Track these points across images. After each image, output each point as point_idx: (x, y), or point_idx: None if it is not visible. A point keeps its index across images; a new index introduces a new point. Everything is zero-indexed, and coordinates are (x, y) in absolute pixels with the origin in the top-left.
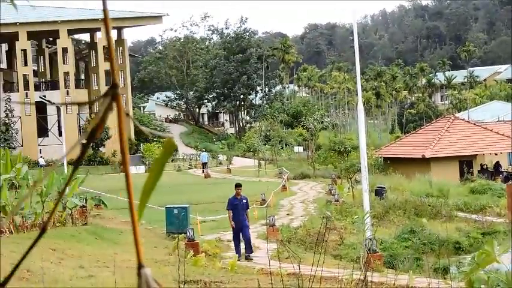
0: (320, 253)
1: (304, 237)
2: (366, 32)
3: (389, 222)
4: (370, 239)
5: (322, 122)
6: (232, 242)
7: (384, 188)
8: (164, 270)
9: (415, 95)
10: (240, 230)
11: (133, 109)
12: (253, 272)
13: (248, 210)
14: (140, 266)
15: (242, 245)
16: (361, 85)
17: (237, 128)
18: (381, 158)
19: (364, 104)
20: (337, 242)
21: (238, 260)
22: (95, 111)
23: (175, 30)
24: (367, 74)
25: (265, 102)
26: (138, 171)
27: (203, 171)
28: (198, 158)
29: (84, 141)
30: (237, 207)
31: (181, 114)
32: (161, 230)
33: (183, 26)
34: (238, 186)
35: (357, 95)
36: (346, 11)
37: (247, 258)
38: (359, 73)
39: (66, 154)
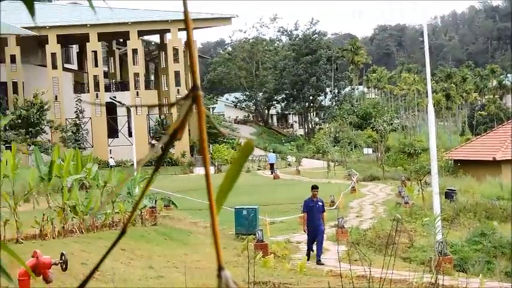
0: (390, 255)
1: (373, 240)
2: (436, 33)
3: (460, 225)
4: (441, 242)
5: (391, 124)
6: (306, 245)
7: (454, 190)
8: (233, 271)
9: (485, 96)
10: (315, 233)
11: None
12: (322, 274)
13: (325, 213)
14: (220, 268)
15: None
16: (431, 87)
17: (306, 130)
18: (451, 160)
19: (434, 106)
20: (406, 244)
21: (322, 263)
22: (165, 112)
23: (245, 32)
24: (437, 75)
25: (334, 103)
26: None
27: (272, 172)
28: (267, 159)
29: (162, 144)
30: (313, 210)
31: (250, 115)
32: (230, 231)
33: (253, 27)
34: (314, 188)
35: (427, 96)
36: (416, 12)
37: (319, 263)
38: (429, 74)
39: (148, 156)
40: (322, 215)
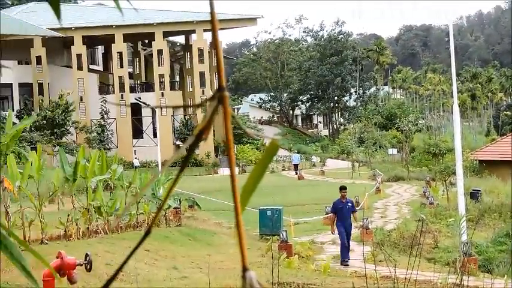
0: (414, 256)
1: (398, 240)
2: (462, 33)
3: (485, 226)
4: (466, 243)
5: (416, 124)
6: (339, 247)
7: (479, 191)
8: (257, 272)
9: (511, 96)
10: (347, 234)
11: None
12: (346, 275)
13: (356, 213)
14: (245, 269)
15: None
16: (457, 87)
17: (331, 130)
18: (476, 160)
19: (459, 106)
20: (431, 245)
21: (347, 264)
22: (190, 113)
23: (270, 33)
24: (463, 75)
25: (359, 104)
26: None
27: (296, 172)
28: (291, 160)
29: (188, 144)
30: (342, 211)
31: (275, 116)
32: (254, 231)
33: (279, 27)
34: (343, 188)
35: (452, 96)
36: (442, 12)
37: (343, 263)
38: (454, 75)
39: (174, 157)
40: (354, 215)
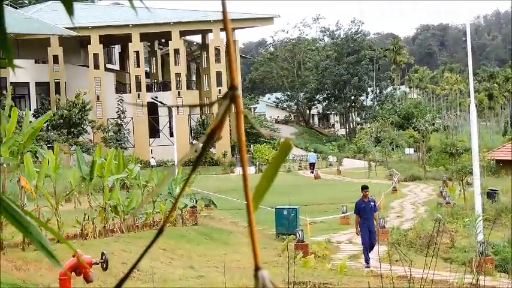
0: (431, 256)
1: (414, 240)
2: (479, 32)
3: (502, 226)
4: (483, 243)
5: (433, 124)
6: (362, 248)
7: (496, 190)
8: (273, 271)
9: None
10: (370, 234)
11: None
12: (362, 274)
13: (377, 213)
14: (257, 268)
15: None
16: (474, 86)
17: (348, 130)
18: (493, 160)
19: (476, 106)
20: (447, 245)
21: (368, 267)
22: (207, 112)
23: (287, 32)
24: (480, 75)
25: (376, 103)
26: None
27: (312, 172)
28: (307, 159)
29: (201, 143)
30: (365, 210)
31: (292, 115)
32: (270, 230)
33: (295, 27)
34: (364, 188)
35: (469, 96)
36: (459, 11)
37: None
38: (471, 74)
39: (188, 156)
40: (374, 215)
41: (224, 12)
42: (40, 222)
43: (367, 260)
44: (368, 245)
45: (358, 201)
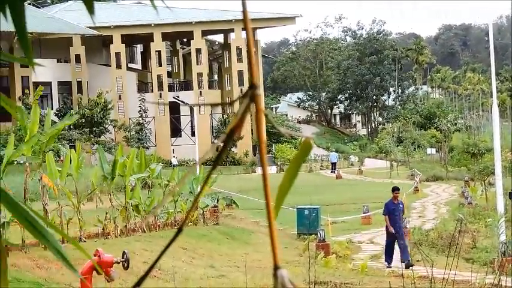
0: (452, 256)
1: (436, 240)
2: (502, 32)
3: None
4: (505, 243)
5: (455, 124)
6: (384, 250)
7: None
8: (295, 271)
9: None
10: (396, 237)
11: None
12: (384, 274)
13: (403, 215)
14: (276, 267)
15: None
16: (496, 86)
17: (369, 129)
18: None
19: (498, 106)
20: (469, 245)
21: (389, 267)
22: (228, 111)
23: (310, 31)
24: (502, 75)
25: (398, 103)
26: (269, 171)
27: (333, 171)
28: (329, 159)
29: (220, 142)
30: (395, 212)
31: (313, 115)
32: (292, 230)
33: (318, 27)
34: (395, 189)
35: (491, 96)
36: (482, 11)
37: (407, 266)
38: (494, 74)
39: (208, 154)
40: (402, 217)
41: (244, 12)
42: (50, 223)
43: (389, 260)
44: (391, 249)
45: (388, 203)
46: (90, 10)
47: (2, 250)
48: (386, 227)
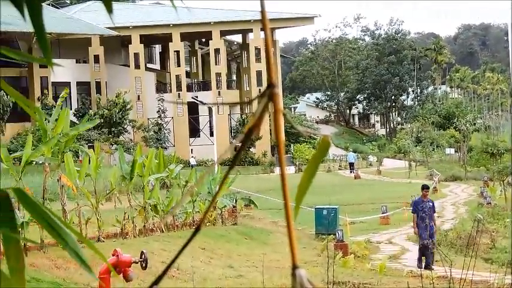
0: (471, 256)
1: (454, 240)
2: None
3: None
4: None
5: (474, 124)
6: (416, 252)
7: None
8: (313, 271)
9: None
10: (428, 235)
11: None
12: (402, 275)
13: (435, 214)
14: (295, 267)
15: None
16: None
17: (388, 129)
18: None
19: None
20: (488, 245)
21: (431, 268)
22: (246, 112)
23: (329, 31)
24: None
25: (416, 103)
26: (287, 171)
27: (351, 171)
28: (347, 159)
29: (238, 141)
30: (424, 210)
31: (332, 115)
32: (310, 230)
33: (336, 26)
34: (425, 187)
35: (510, 96)
36: (501, 11)
37: (427, 267)
38: None
39: (226, 154)
40: (433, 216)
41: (263, 12)
42: (67, 224)
43: (428, 263)
44: (427, 249)
45: (417, 200)
46: (109, 10)
47: (20, 250)
48: (418, 225)
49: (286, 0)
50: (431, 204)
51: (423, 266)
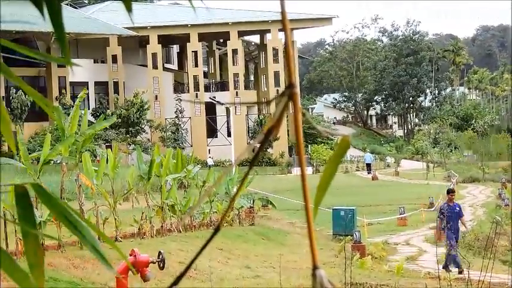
0: (489, 258)
1: (472, 242)
2: None
3: None
4: None
5: (492, 125)
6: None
7: None
8: (331, 272)
9: None
10: (455, 238)
11: None
12: (420, 276)
13: (463, 217)
14: (315, 267)
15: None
16: None
17: (406, 131)
18: None
19: None
20: (506, 247)
21: (460, 273)
22: (264, 112)
23: (347, 32)
24: None
25: (434, 104)
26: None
27: (369, 172)
28: (364, 160)
29: (257, 142)
30: (450, 215)
31: (349, 116)
32: (327, 231)
33: (355, 27)
34: (450, 192)
35: None
36: None
37: (445, 268)
38: None
39: (244, 154)
40: (462, 220)
41: (283, 12)
42: (88, 222)
43: (448, 263)
44: (455, 248)
45: (443, 205)
46: (129, 9)
47: (39, 245)
48: (444, 229)
49: (305, 0)
50: (458, 208)
51: (442, 267)
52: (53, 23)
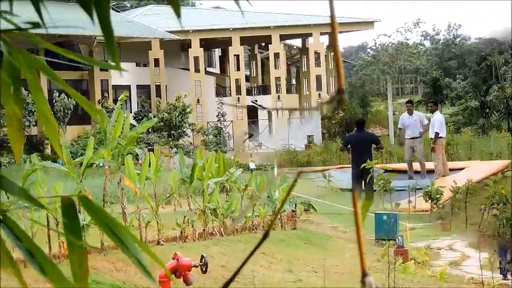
0: None
1: None
2: None
3: None
4: None
5: None
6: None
7: None
8: (374, 276)
9: None
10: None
11: None
12: (463, 281)
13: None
14: (364, 274)
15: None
16: None
17: None
18: None
19: None
20: None
21: (505, 279)
22: (306, 115)
23: (390, 36)
24: None
25: None
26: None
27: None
28: None
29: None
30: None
31: None
32: (370, 236)
33: (397, 31)
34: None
35: None
36: None
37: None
38: None
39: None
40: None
41: (332, 16)
42: (127, 230)
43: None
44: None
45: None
46: (178, 13)
47: (84, 256)
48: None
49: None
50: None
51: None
52: (102, 27)
